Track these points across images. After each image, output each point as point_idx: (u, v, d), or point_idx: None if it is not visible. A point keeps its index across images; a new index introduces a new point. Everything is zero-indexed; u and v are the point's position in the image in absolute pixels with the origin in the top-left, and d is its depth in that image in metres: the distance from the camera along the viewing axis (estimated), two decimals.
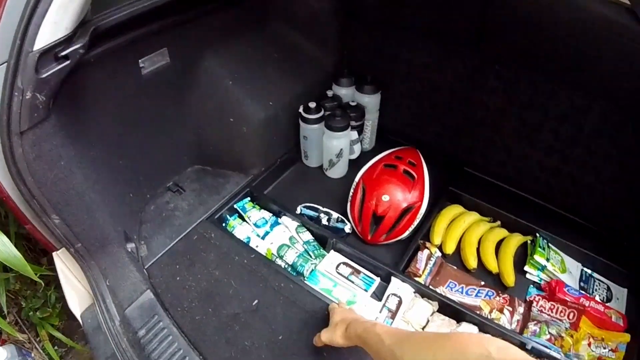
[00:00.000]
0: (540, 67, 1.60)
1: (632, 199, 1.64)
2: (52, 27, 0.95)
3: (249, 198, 1.74)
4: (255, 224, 1.62)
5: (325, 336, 1.13)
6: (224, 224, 1.65)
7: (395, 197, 1.57)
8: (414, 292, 1.46)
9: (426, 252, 1.58)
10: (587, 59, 1.40)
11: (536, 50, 1.52)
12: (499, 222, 1.79)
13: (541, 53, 1.52)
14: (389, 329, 0.93)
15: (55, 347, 1.93)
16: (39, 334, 1.89)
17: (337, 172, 1.91)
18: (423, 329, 1.39)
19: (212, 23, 1.63)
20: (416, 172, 1.62)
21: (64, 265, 1.41)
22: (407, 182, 1.60)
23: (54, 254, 1.40)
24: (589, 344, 1.44)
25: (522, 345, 1.36)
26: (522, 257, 1.69)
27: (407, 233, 1.63)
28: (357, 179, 1.67)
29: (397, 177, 1.61)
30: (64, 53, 1.01)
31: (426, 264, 1.56)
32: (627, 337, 1.46)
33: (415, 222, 1.61)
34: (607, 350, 1.43)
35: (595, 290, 1.63)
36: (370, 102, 1.92)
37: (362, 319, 1.10)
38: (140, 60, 1.40)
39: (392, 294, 1.43)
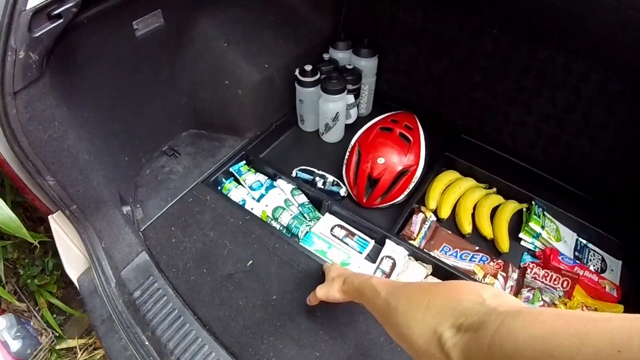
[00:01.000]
0: (539, 32, 1.61)
1: (628, 170, 1.66)
2: None
3: (244, 161, 1.76)
4: (250, 187, 1.65)
5: (322, 292, 1.15)
6: (219, 187, 1.68)
7: (391, 160, 1.59)
8: (408, 255, 1.49)
9: (421, 215, 1.60)
10: (586, 26, 1.41)
11: (535, 16, 1.53)
12: (494, 189, 1.81)
13: (540, 18, 1.52)
14: (385, 281, 0.94)
15: (54, 315, 1.97)
16: (37, 302, 1.93)
17: (333, 136, 1.93)
18: None
19: None
20: (412, 136, 1.64)
21: (60, 228, 1.43)
22: (403, 145, 1.62)
23: (49, 217, 1.41)
24: None
25: None
26: (517, 224, 1.71)
27: (402, 197, 1.65)
28: (352, 142, 1.69)
29: (393, 140, 1.62)
30: (56, 12, 1.02)
31: (421, 228, 1.58)
32: (620, 308, 1.48)
33: (411, 186, 1.64)
34: None
35: (590, 260, 1.65)
36: (367, 65, 1.94)
37: (358, 274, 1.11)
38: (134, 22, 1.40)
39: (386, 256, 1.46)
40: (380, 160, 1.59)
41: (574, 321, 0.51)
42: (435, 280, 1.45)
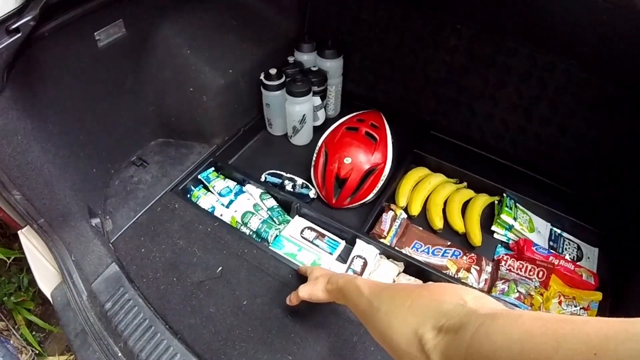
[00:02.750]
0: (502, 25, 1.67)
1: (599, 156, 1.73)
2: (2, 0, 1.01)
3: (213, 168, 1.80)
4: (219, 193, 1.68)
5: (305, 291, 1.17)
6: (188, 195, 1.71)
7: (358, 159, 1.64)
8: (379, 254, 1.54)
9: (391, 213, 1.65)
10: (549, 17, 1.47)
11: (498, 9, 1.59)
12: (465, 183, 1.87)
13: (503, 11, 1.59)
14: (368, 281, 0.96)
15: (34, 332, 1.99)
16: (15, 320, 1.96)
17: (302, 138, 1.98)
18: None
19: None
20: (378, 134, 1.69)
21: (30, 243, 1.47)
22: (369, 144, 1.67)
23: (19, 232, 1.45)
24: (560, 302, 1.51)
25: None
26: (489, 217, 1.77)
27: (371, 195, 1.70)
28: (319, 143, 1.74)
29: (359, 140, 1.67)
30: (14, 26, 1.06)
31: (391, 226, 1.63)
32: (599, 296, 1.53)
33: (379, 184, 1.68)
34: (578, 308, 1.50)
35: (565, 249, 1.71)
36: (332, 66, 1.98)
37: (343, 274, 1.14)
38: (95, 33, 1.43)
39: (357, 256, 1.50)
40: (347, 160, 1.64)
41: (551, 324, 0.54)
42: (408, 277, 1.50)
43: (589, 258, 1.72)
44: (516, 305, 1.47)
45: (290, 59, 1.97)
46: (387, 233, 1.61)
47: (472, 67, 1.81)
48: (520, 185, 1.83)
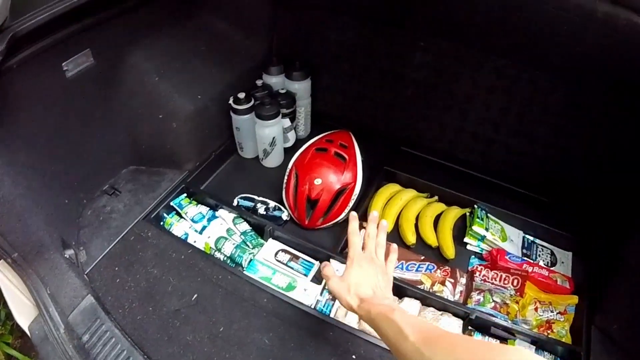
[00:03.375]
0: (465, 40, 1.72)
1: (568, 162, 1.78)
2: None
3: (185, 194, 1.81)
4: (192, 220, 1.70)
5: (334, 289, 1.11)
6: (161, 222, 1.73)
7: (328, 179, 1.68)
8: None
9: (363, 231, 1.68)
10: (511, 28, 1.51)
11: (458, 24, 1.63)
12: (436, 197, 1.91)
13: (465, 26, 1.63)
14: (410, 320, 0.87)
15: None
16: None
17: (273, 161, 2.00)
18: None
19: (135, 19, 1.68)
20: (347, 154, 1.73)
21: (5, 277, 1.47)
22: (339, 164, 1.70)
23: None
24: (536, 309, 1.55)
25: (466, 316, 1.48)
26: (462, 229, 1.81)
27: (343, 215, 1.73)
28: (289, 165, 1.77)
29: (329, 160, 1.71)
30: None
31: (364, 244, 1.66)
32: (575, 299, 1.57)
33: (351, 203, 1.72)
34: (555, 313, 1.54)
35: (539, 255, 1.75)
36: (301, 88, 2.01)
37: (376, 299, 1.03)
38: (63, 64, 1.45)
39: None
40: (318, 181, 1.67)
41: None
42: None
43: (563, 263, 1.76)
44: (492, 315, 1.51)
45: (259, 82, 2.00)
46: None
47: (440, 83, 1.86)
48: (491, 195, 1.88)
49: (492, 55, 1.73)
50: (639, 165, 1.67)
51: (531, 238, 1.83)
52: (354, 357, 1.35)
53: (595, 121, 1.70)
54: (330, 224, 1.75)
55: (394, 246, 1.31)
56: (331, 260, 1.58)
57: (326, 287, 1.17)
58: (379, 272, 1.14)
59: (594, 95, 1.65)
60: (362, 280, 1.10)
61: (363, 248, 1.24)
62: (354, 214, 1.32)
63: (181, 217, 1.75)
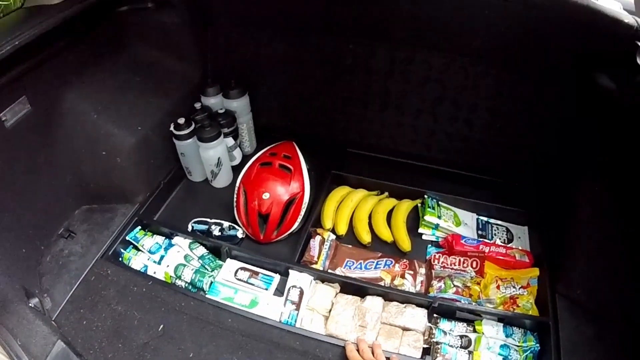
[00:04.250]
0: (393, 37, 1.79)
1: (510, 139, 1.86)
2: None
3: (139, 227, 1.83)
4: (149, 251, 1.73)
5: None
6: (120, 258, 1.75)
7: (276, 192, 1.73)
8: (314, 280, 1.62)
9: (318, 238, 1.73)
10: (436, 20, 1.59)
11: (382, 21, 1.70)
12: (386, 193, 1.97)
13: (390, 24, 1.70)
14: None
15: None
16: None
17: (222, 181, 2.04)
18: (329, 312, 1.54)
19: (67, 59, 1.70)
20: (292, 164, 1.78)
21: None
22: (285, 175, 1.76)
23: None
24: (498, 287, 1.60)
25: (429, 305, 1.54)
26: (416, 221, 1.87)
27: (296, 225, 1.78)
28: (237, 183, 1.82)
29: (274, 173, 1.76)
30: None
31: (320, 250, 1.71)
32: (536, 272, 1.64)
33: (302, 212, 1.77)
34: (517, 288, 1.60)
35: (495, 234, 1.82)
36: (239, 105, 2.04)
37: None
38: (1, 114, 1.47)
39: (292, 286, 1.57)
40: (266, 196, 1.72)
41: None
42: (346, 297, 1.59)
43: (520, 238, 1.83)
44: (456, 300, 1.56)
45: (197, 105, 2.02)
46: (318, 258, 1.69)
47: (373, 81, 1.92)
48: (441, 183, 1.95)
49: (421, 48, 1.79)
50: (573, 137, 1.76)
51: (485, 219, 1.90)
52: None
53: (528, 100, 1.78)
54: (285, 235, 1.79)
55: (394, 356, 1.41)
56: (290, 271, 1.62)
57: None
58: None
59: (524, 75, 1.74)
60: None
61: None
62: (348, 342, 1.45)
63: (139, 250, 1.78)
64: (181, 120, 1.88)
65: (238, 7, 1.94)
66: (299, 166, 1.79)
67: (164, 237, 1.80)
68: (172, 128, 1.91)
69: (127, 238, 1.79)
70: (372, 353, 1.37)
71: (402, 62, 1.84)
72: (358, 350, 1.39)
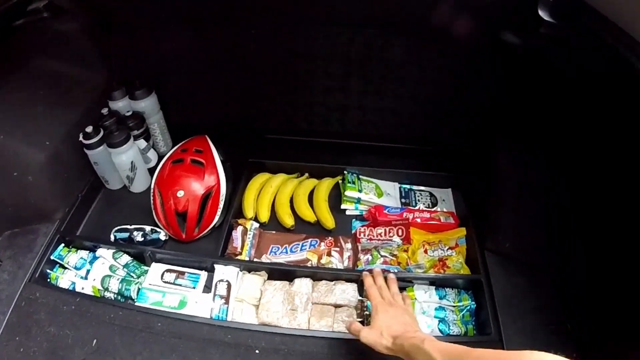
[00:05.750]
0: (290, 16, 1.83)
1: (421, 108, 1.94)
2: None
3: (62, 244, 1.84)
4: (75, 267, 1.75)
5: (368, 339, 1.22)
6: (48, 279, 1.76)
7: (190, 188, 1.76)
8: (241, 271, 1.66)
9: (240, 228, 1.78)
10: None
11: (278, 2, 1.73)
12: (306, 175, 2.03)
13: (284, 2, 1.74)
14: (438, 346, 1.00)
15: None
16: None
17: (140, 185, 2.06)
18: (259, 300, 1.59)
19: None
20: (204, 158, 1.82)
21: None
22: (197, 170, 1.79)
23: None
24: (425, 251, 1.69)
25: (357, 279, 1.59)
26: (338, 198, 1.94)
27: (217, 218, 1.82)
28: (151, 185, 1.85)
29: (186, 170, 1.79)
30: None
31: (244, 240, 1.76)
32: (463, 231, 1.72)
33: (221, 204, 1.81)
34: (445, 249, 1.69)
35: (419, 200, 1.90)
36: (147, 105, 2.04)
37: (409, 333, 1.16)
38: None
39: (220, 280, 1.62)
40: (180, 193, 1.75)
41: None
42: (273, 283, 1.64)
43: (444, 200, 1.91)
44: (387, 270, 1.61)
45: (104, 111, 2.02)
46: (242, 249, 1.74)
47: (279, 64, 1.96)
48: (360, 157, 2.02)
49: (321, 24, 1.84)
50: (485, 96, 1.87)
51: (407, 186, 1.97)
52: (257, 351, 1.46)
53: (436, 66, 1.85)
54: (207, 230, 1.83)
55: (405, 293, 1.48)
56: (215, 266, 1.66)
57: (360, 340, 1.27)
58: (403, 312, 1.29)
59: (430, 41, 1.80)
60: (391, 322, 1.23)
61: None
62: (365, 273, 1.49)
63: (65, 268, 1.79)
64: (89, 129, 1.88)
65: (136, 7, 1.93)
66: (212, 159, 1.82)
67: (88, 251, 1.81)
68: (81, 138, 1.90)
69: (51, 257, 1.80)
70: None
71: (306, 40, 1.87)
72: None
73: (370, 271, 1.49)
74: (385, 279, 1.45)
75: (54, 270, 1.78)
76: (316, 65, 1.91)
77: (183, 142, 1.94)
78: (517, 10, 1.43)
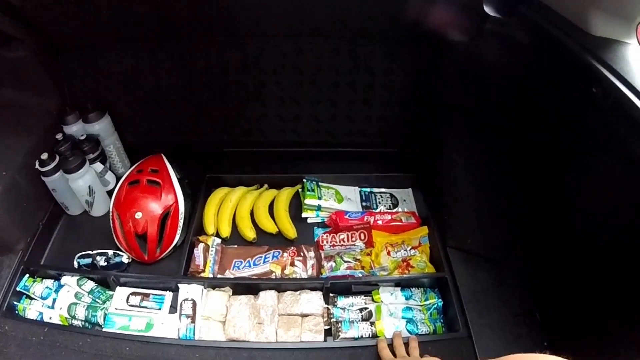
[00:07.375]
0: (235, 31, 1.89)
1: (374, 112, 2.02)
2: None
3: (27, 275, 1.87)
4: (41, 297, 1.78)
5: None
6: (15, 311, 1.79)
7: (148, 209, 1.81)
8: (205, 288, 1.72)
9: (201, 246, 1.84)
10: (272, 8, 1.71)
11: (223, 17, 1.80)
12: (266, 186, 2.09)
13: (229, 18, 1.80)
14: None
15: None
16: None
17: (100, 209, 2.09)
18: (226, 316, 1.65)
19: None
20: (160, 177, 1.87)
21: None
22: (154, 190, 1.84)
23: None
24: (388, 253, 1.75)
25: (321, 286, 1.66)
26: (299, 206, 1.99)
27: (177, 237, 1.87)
28: (110, 208, 1.89)
29: (143, 190, 1.84)
30: None
31: (205, 257, 1.81)
32: (425, 230, 1.79)
33: (181, 222, 1.86)
34: (409, 249, 1.75)
35: (380, 202, 1.96)
36: (101, 128, 2.07)
37: None
38: None
39: (185, 300, 1.67)
40: (138, 215, 1.80)
41: None
42: (238, 298, 1.69)
43: (405, 201, 1.98)
44: (350, 275, 1.69)
45: (59, 136, 2.05)
46: (205, 266, 1.79)
47: (229, 78, 2.02)
48: (320, 165, 2.09)
49: (268, 37, 1.89)
50: (434, 95, 1.94)
51: (368, 189, 2.04)
52: None
53: (384, 69, 1.93)
54: (169, 250, 1.88)
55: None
56: (179, 285, 1.71)
57: None
58: None
59: (376, 45, 1.87)
60: None
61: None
62: (380, 338, 1.56)
63: (32, 298, 1.82)
64: (44, 156, 1.90)
65: (82, 30, 1.96)
66: (169, 178, 1.88)
67: (53, 280, 1.84)
68: (37, 165, 1.92)
69: (17, 289, 1.82)
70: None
71: (254, 53, 1.93)
72: (391, 346, 1.51)
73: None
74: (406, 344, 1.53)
75: (21, 301, 1.81)
76: (267, 76, 1.97)
77: (138, 162, 1.99)
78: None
